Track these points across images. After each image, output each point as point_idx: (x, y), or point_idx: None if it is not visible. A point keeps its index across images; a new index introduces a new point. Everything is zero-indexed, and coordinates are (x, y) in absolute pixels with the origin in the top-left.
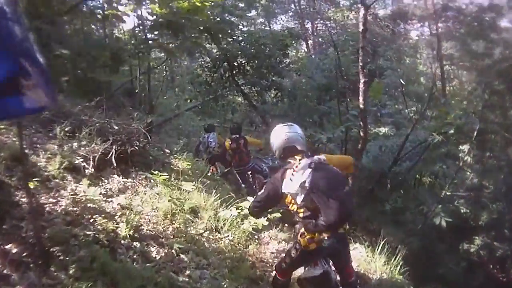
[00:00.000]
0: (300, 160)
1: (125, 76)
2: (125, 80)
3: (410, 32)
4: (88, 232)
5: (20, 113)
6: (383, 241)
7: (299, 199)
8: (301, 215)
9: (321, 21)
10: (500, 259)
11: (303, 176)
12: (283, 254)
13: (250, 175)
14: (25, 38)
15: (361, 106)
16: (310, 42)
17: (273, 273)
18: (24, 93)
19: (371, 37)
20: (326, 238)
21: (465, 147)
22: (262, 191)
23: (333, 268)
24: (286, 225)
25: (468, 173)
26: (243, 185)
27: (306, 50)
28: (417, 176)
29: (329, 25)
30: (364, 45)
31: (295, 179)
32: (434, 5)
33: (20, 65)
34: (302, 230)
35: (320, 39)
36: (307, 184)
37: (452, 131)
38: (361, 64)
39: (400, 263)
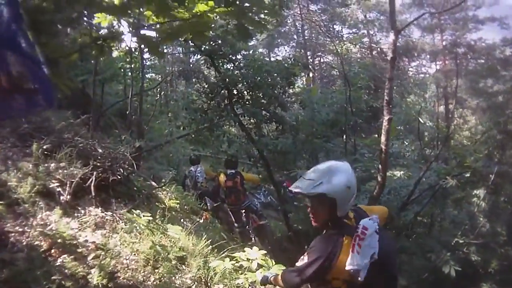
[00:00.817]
0: (354, 219)
1: (119, 96)
2: (118, 100)
3: (413, 68)
4: (53, 277)
5: (20, 113)
6: None
7: (363, 275)
8: None
9: (324, 54)
10: None
11: (373, 245)
12: None
13: (244, 214)
14: (25, 39)
15: (383, 147)
16: (311, 75)
17: None
18: (23, 93)
19: (375, 71)
20: None
21: (481, 192)
22: (305, 265)
23: None
24: None
25: (481, 218)
26: (236, 225)
27: (305, 83)
28: (425, 220)
29: (330, 58)
30: (392, 76)
31: (365, 250)
32: (443, 41)
33: (20, 65)
34: None
35: (323, 73)
36: (376, 256)
37: (468, 175)
38: (386, 98)
39: None
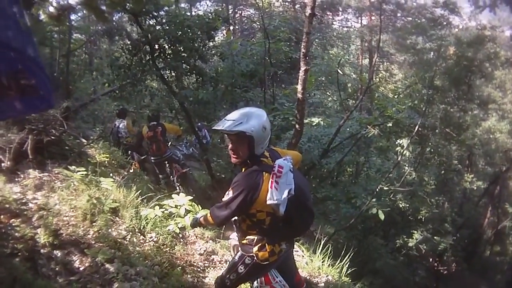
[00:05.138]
0: (270, 158)
1: (45, 59)
2: (45, 62)
3: (337, 22)
4: (6, 243)
5: (20, 113)
6: (316, 237)
7: (282, 209)
8: (265, 225)
9: (246, 8)
10: (439, 253)
11: (289, 182)
12: (223, 271)
13: (168, 165)
14: (25, 38)
15: (300, 95)
16: (231, 28)
17: None
18: (23, 93)
19: (297, 24)
20: (285, 247)
21: (404, 142)
22: (230, 199)
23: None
24: None
25: (406, 167)
26: (160, 176)
27: (226, 36)
28: (349, 168)
29: (252, 12)
30: (309, 30)
31: (283, 186)
32: None
33: (19, 65)
34: (263, 242)
35: (243, 26)
36: (292, 192)
37: (390, 125)
38: (303, 50)
39: (345, 263)
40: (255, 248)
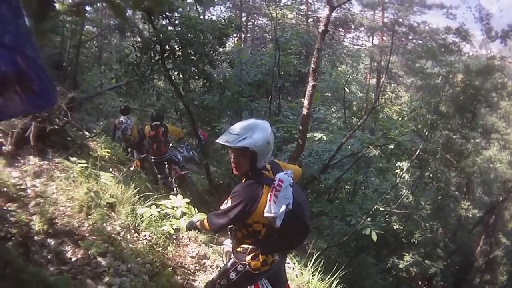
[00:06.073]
0: (271, 171)
1: (56, 48)
2: (55, 51)
3: (348, 39)
4: (0, 226)
5: (20, 113)
6: (308, 251)
7: (279, 222)
8: (260, 236)
9: (259, 17)
10: (429, 276)
11: (288, 197)
12: (214, 276)
13: (167, 166)
14: (25, 37)
15: (305, 110)
16: (243, 36)
17: None
18: (23, 93)
19: (308, 38)
20: (278, 258)
21: (404, 165)
22: (229, 208)
23: None
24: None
25: (404, 190)
26: (159, 176)
27: (236, 44)
28: (347, 186)
29: (265, 21)
30: (321, 47)
31: (281, 200)
32: (383, 18)
33: (19, 64)
34: (257, 252)
35: (255, 35)
36: (290, 206)
37: (392, 147)
38: (313, 66)
39: (335, 280)
40: (249, 257)
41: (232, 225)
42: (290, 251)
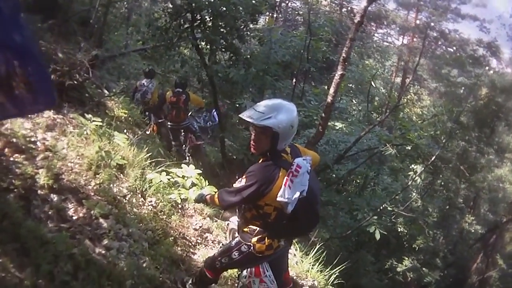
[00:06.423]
0: (290, 155)
1: (85, 5)
2: (84, 8)
3: (379, 34)
4: (4, 177)
5: (20, 114)
6: (311, 240)
7: (290, 208)
8: (269, 219)
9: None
10: (424, 284)
11: (303, 183)
12: (216, 252)
13: (183, 134)
14: (25, 37)
15: (330, 98)
16: (275, 16)
17: (202, 269)
18: (23, 93)
19: (339, 28)
20: (283, 244)
21: (418, 168)
22: (242, 187)
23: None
24: None
25: (414, 193)
26: (173, 143)
27: (267, 22)
28: (357, 180)
29: (298, 4)
30: (354, 37)
31: (297, 186)
32: (416, 19)
33: (19, 64)
34: (264, 235)
35: (287, 16)
36: (304, 193)
37: (409, 148)
38: (344, 55)
39: (334, 273)
40: (254, 239)
41: (242, 205)
42: (296, 238)
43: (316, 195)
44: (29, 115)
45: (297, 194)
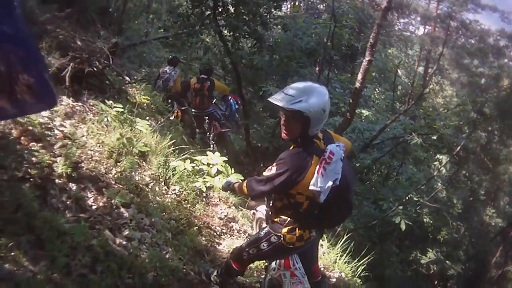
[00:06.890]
0: (323, 141)
1: None
2: None
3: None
4: (19, 166)
5: (20, 114)
6: (338, 230)
7: (323, 197)
8: (301, 209)
9: None
10: (446, 277)
11: (337, 171)
12: (243, 243)
13: (207, 121)
14: (26, 37)
15: (358, 84)
16: (297, 3)
17: (228, 260)
18: (23, 93)
19: (362, 16)
20: (314, 235)
21: (444, 158)
22: (273, 175)
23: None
24: None
25: (439, 183)
26: (197, 130)
27: (290, 9)
28: (382, 170)
29: None
30: (382, 23)
31: (330, 174)
32: (438, 8)
33: (20, 64)
34: (295, 225)
35: (310, 4)
36: (337, 182)
37: (434, 138)
38: (371, 41)
39: (361, 265)
40: (285, 229)
41: (273, 194)
42: (328, 228)
43: (350, 184)
44: None
45: (330, 183)
